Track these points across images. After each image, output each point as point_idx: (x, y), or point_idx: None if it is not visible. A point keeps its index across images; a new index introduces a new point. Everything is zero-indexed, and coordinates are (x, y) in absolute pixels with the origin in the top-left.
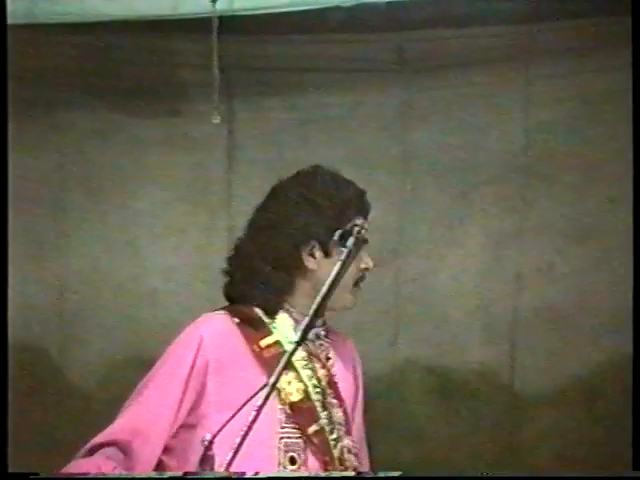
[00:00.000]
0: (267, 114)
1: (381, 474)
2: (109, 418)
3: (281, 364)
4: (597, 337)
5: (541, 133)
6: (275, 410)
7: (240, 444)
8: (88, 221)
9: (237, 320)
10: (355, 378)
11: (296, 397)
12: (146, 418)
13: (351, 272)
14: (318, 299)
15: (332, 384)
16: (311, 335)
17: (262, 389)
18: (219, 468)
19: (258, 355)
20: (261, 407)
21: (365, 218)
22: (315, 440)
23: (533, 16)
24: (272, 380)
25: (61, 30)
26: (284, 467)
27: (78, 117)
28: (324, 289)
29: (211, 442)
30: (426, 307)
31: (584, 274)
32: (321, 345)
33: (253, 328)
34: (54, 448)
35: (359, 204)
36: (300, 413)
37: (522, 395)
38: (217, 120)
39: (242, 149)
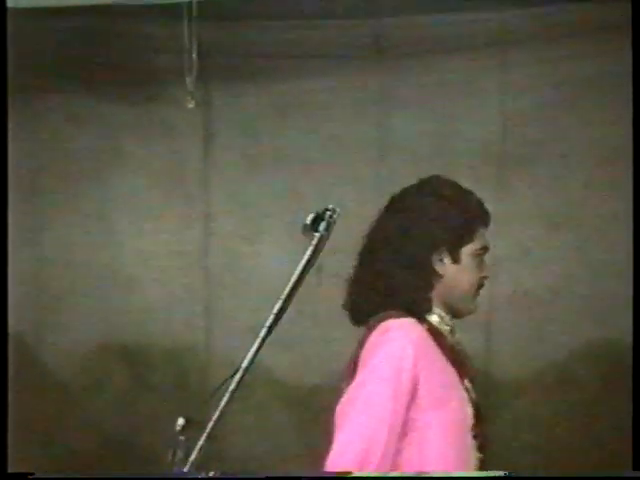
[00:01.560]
0: (244, 100)
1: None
2: (86, 405)
3: (253, 349)
4: (573, 323)
5: (518, 120)
6: (469, 410)
7: (211, 430)
8: (64, 207)
9: (426, 326)
10: None
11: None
12: (379, 439)
13: (474, 280)
14: (292, 281)
15: None
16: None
17: (235, 373)
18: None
19: (448, 355)
20: (234, 391)
21: (486, 226)
22: (480, 443)
23: (510, 3)
24: (245, 364)
25: (35, 15)
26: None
27: (53, 102)
28: (297, 272)
29: (184, 427)
30: None
31: (560, 260)
32: None
33: (436, 331)
34: (33, 437)
35: (482, 213)
36: (478, 417)
37: (498, 380)
38: (192, 105)
39: (218, 135)
